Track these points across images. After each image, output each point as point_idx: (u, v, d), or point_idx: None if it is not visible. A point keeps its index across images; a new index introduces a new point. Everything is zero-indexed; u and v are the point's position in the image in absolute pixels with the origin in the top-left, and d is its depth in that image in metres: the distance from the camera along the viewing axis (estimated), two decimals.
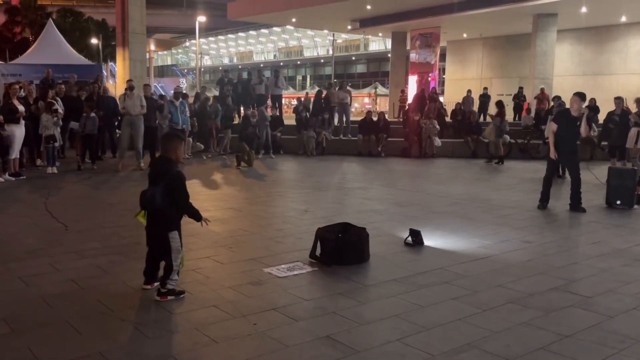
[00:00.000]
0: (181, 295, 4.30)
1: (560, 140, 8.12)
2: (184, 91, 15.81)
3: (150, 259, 4.43)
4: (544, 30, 21.95)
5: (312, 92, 21.83)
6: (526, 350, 3.52)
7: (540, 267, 5.31)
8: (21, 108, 10.31)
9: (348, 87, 18.41)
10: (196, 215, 4.39)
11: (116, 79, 21.31)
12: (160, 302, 4.19)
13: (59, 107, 11.38)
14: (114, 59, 29.08)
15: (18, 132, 10.17)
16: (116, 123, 13.28)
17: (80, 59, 19.99)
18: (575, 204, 8.12)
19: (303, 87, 58.74)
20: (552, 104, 14.91)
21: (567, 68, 25.35)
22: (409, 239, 6.03)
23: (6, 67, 17.55)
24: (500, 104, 15.95)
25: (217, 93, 17.55)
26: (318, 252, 5.33)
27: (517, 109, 21.90)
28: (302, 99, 18.12)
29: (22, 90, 11.63)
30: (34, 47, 20.13)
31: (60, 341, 3.55)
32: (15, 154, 10.20)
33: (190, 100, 16.16)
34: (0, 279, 4.70)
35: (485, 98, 22.43)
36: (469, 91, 20.53)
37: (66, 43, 20.08)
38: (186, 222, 6.79)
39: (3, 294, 4.35)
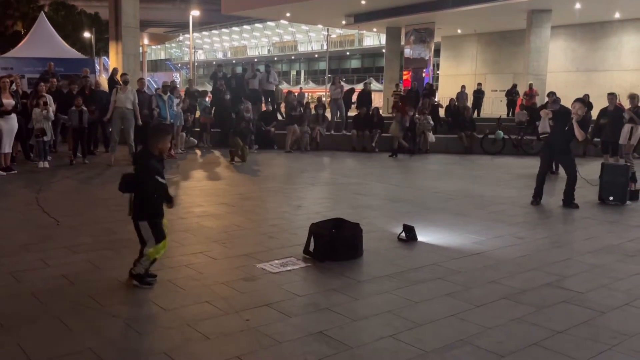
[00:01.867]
0: (146, 286, 4.35)
1: (554, 140, 8.14)
2: (177, 85, 15.72)
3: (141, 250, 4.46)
4: (538, 27, 21.98)
5: (306, 87, 21.77)
6: (519, 346, 3.52)
7: (534, 263, 5.32)
8: (10, 102, 10.19)
9: (341, 82, 18.36)
10: (164, 198, 4.39)
11: (109, 73, 21.13)
12: (137, 287, 4.33)
13: (50, 100, 11.28)
14: (107, 53, 28.88)
15: (6, 126, 10.07)
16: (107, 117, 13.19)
17: (73, 53, 19.83)
18: (569, 200, 8.14)
19: (297, 82, 58.59)
20: (546, 99, 14.95)
21: (561, 64, 25.42)
22: (403, 234, 6.02)
23: None
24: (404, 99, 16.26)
25: (210, 87, 17.47)
26: (312, 247, 5.32)
27: (511, 105, 21.96)
28: (296, 94, 18.07)
29: (14, 84, 11.51)
30: (25, 41, 19.94)
31: (51, 337, 3.51)
32: (5, 148, 10.11)
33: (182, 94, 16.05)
34: None
35: (479, 94, 22.51)
36: (463, 87, 20.56)
37: (58, 37, 19.91)
38: (178, 217, 6.76)
39: None
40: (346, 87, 20.28)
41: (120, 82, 12.81)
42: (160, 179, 4.30)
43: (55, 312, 3.89)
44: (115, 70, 15.63)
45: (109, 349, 3.36)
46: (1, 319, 3.74)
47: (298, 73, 67.48)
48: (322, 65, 58.84)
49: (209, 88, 18.42)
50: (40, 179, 9.70)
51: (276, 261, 5.16)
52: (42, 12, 23.06)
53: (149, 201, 4.30)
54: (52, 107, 11.21)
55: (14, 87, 11.37)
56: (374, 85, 44.54)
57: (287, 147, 14.88)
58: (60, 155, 12.65)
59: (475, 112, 21.05)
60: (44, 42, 18.69)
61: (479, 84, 23.37)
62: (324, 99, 19.83)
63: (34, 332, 3.58)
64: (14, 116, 10.27)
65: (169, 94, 12.98)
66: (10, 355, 3.26)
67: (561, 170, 10.29)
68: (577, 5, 20.14)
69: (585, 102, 8.06)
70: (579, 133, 7.96)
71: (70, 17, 37.19)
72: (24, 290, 4.30)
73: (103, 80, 17.71)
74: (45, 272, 4.75)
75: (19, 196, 8.35)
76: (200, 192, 8.98)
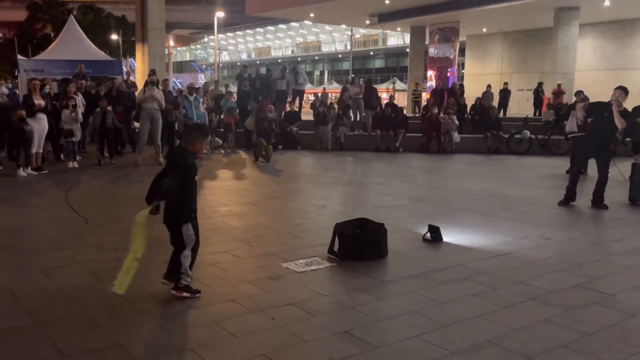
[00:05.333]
0: (197, 295, 4.20)
1: (595, 133, 7.93)
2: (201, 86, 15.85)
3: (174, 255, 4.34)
4: (566, 25, 21.62)
5: (329, 87, 21.78)
6: (546, 347, 3.47)
7: (562, 264, 5.24)
8: (41, 102, 10.43)
9: (361, 82, 18.31)
10: (158, 194, 4.05)
11: (135, 75, 21.47)
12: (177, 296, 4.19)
13: (79, 102, 11.51)
14: (133, 54, 29.35)
15: (38, 126, 10.30)
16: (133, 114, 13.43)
17: (101, 55, 20.18)
18: (598, 201, 7.98)
19: (321, 83, 58.59)
20: (574, 99, 14.70)
21: (590, 63, 24.96)
22: (428, 235, 5.98)
23: (29, 63, 17.76)
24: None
25: (234, 89, 17.59)
26: (336, 247, 5.32)
27: (537, 104, 21.65)
28: (320, 94, 18.09)
29: (47, 86, 11.78)
30: (55, 43, 20.36)
31: (81, 333, 3.59)
32: (36, 148, 10.34)
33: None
34: (23, 272, 4.77)
35: (505, 93, 22.22)
36: (489, 86, 20.33)
37: (87, 39, 20.28)
38: (205, 216, 6.82)
39: (26, 286, 4.41)
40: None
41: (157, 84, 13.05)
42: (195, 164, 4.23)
43: (85, 308, 3.97)
44: (152, 71, 15.88)
45: (137, 345, 3.42)
46: (34, 315, 3.83)
47: (322, 73, 67.51)
48: (346, 65, 58.76)
49: (234, 89, 18.50)
50: (70, 179, 9.90)
51: (301, 260, 5.18)
52: (71, 15, 23.51)
53: (191, 202, 4.18)
54: (80, 109, 11.44)
55: (47, 89, 11.64)
56: (398, 84, 44.37)
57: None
58: (89, 155, 12.88)
59: (502, 112, 20.80)
60: (73, 44, 19.05)
61: (505, 84, 23.07)
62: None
63: (65, 327, 3.66)
64: (44, 117, 10.52)
65: (195, 94, 13.15)
66: (43, 350, 3.34)
67: (590, 171, 10.13)
68: (606, 3, 19.75)
69: (626, 90, 7.80)
70: (619, 121, 7.62)
71: (98, 20, 37.90)
72: (54, 287, 4.40)
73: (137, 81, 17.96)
74: (75, 269, 4.85)
75: (49, 195, 8.53)
76: (225, 192, 9.05)
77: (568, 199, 8.11)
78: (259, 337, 3.56)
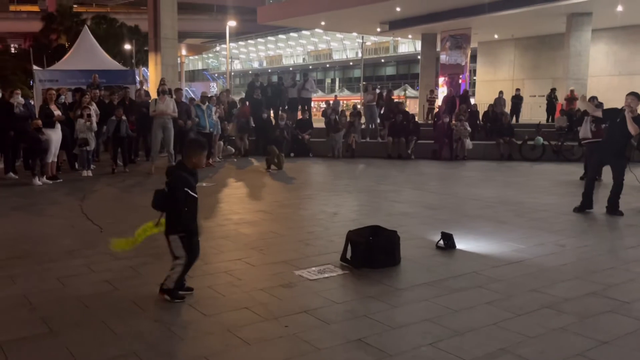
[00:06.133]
0: (177, 300, 4.27)
1: (609, 139, 7.87)
2: (214, 95, 15.98)
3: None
4: (578, 30, 21.52)
5: (341, 95, 21.84)
6: (562, 356, 3.44)
7: (576, 272, 5.19)
8: (57, 113, 10.58)
9: (375, 89, 18.34)
10: (178, 223, 4.25)
11: (148, 84, 21.67)
12: (177, 302, 4.27)
13: (93, 111, 11.64)
14: (146, 64, 29.63)
15: (54, 136, 10.43)
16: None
17: (114, 64, 20.39)
18: (613, 208, 7.90)
19: (332, 90, 58.77)
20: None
21: (603, 68, 24.80)
22: (441, 242, 5.96)
23: (44, 73, 17.99)
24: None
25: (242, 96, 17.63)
26: (349, 255, 5.32)
27: (550, 110, 21.53)
28: (331, 102, 18.15)
29: (62, 96, 11.93)
30: (70, 54, 20.60)
31: (97, 341, 3.61)
32: (51, 157, 10.47)
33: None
34: (39, 279, 4.82)
35: (517, 99, 22.13)
36: (501, 92, 20.27)
37: (101, 49, 20.51)
38: (217, 224, 6.87)
39: (42, 293, 4.46)
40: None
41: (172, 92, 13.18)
42: (190, 192, 4.23)
43: (100, 316, 4.00)
44: (162, 80, 16.03)
45: (152, 354, 3.43)
46: (50, 323, 3.87)
47: (333, 81, 67.71)
48: (357, 72, 58.91)
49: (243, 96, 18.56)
50: (84, 187, 10.00)
51: (314, 268, 5.18)
52: (86, 26, 23.80)
53: (179, 215, 4.23)
54: (94, 118, 11.58)
55: (62, 98, 11.79)
56: (409, 92, 44.35)
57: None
58: (102, 164, 13.00)
59: (514, 118, 20.71)
60: (87, 54, 19.27)
61: (517, 90, 22.97)
62: (358, 106, 19.75)
63: (81, 335, 3.69)
64: (59, 126, 10.65)
65: (207, 103, 13.25)
66: (58, 357, 3.37)
67: (604, 177, 10.05)
68: (619, 8, 19.63)
69: (638, 95, 7.72)
70: (632, 126, 7.53)
71: (112, 30, 38.29)
72: (70, 295, 4.44)
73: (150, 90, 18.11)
74: (90, 278, 4.89)
75: (64, 204, 8.62)
76: (238, 200, 9.09)
77: (584, 206, 8.03)
78: (273, 345, 3.57)
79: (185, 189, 4.22)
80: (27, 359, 3.37)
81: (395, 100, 21.70)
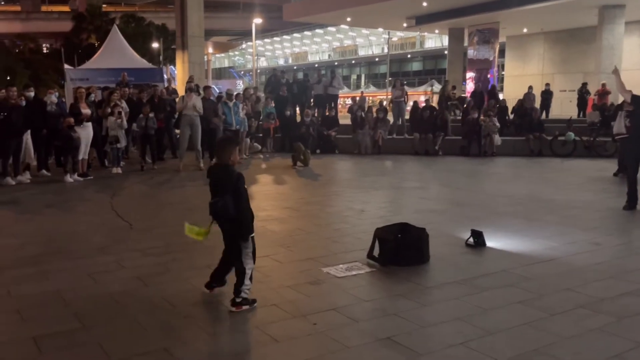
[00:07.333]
0: (254, 304, 4.14)
1: (636, 132, 7.64)
2: (240, 92, 16.01)
3: (223, 261, 4.36)
4: (611, 23, 20.98)
5: (367, 91, 21.74)
6: (599, 357, 3.35)
7: (611, 271, 5.05)
8: (87, 111, 10.75)
9: (403, 85, 18.17)
10: (245, 229, 4.10)
11: (176, 82, 21.90)
12: (233, 310, 4.07)
13: (123, 109, 11.80)
14: (173, 62, 29.94)
15: (83, 134, 10.61)
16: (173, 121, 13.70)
17: (143, 63, 20.65)
18: None
19: (358, 87, 58.56)
20: (621, 99, 14.23)
21: (636, 62, 24.10)
22: (471, 239, 5.87)
23: (75, 72, 18.31)
24: None
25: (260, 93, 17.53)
26: (376, 252, 5.28)
27: (582, 105, 21.07)
28: (357, 98, 18.06)
29: (92, 94, 12.13)
30: (99, 53, 20.94)
31: (128, 337, 3.65)
32: (82, 155, 10.65)
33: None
34: (71, 276, 4.90)
35: (547, 94, 21.73)
36: (530, 87, 19.91)
37: (129, 47, 20.79)
38: None
39: (74, 290, 4.53)
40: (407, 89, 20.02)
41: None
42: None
43: (131, 312, 4.04)
44: (191, 78, 16.17)
45: (182, 350, 3.45)
46: (82, 318, 3.92)
47: (359, 77, 67.43)
48: (383, 68, 58.56)
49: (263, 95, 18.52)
50: (114, 184, 10.15)
51: (341, 265, 5.15)
52: (115, 25, 24.15)
53: (246, 216, 4.12)
54: (126, 114, 11.75)
55: (92, 97, 11.99)
56: (436, 87, 43.90)
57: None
58: (131, 161, 13.18)
59: (544, 114, 20.34)
60: (116, 53, 19.55)
61: (547, 84, 22.54)
62: (384, 102, 19.61)
63: (112, 331, 3.73)
64: (89, 124, 10.83)
65: (234, 100, 13.30)
66: (91, 353, 3.42)
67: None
68: None
69: None
70: None
71: (140, 29, 38.82)
72: (101, 291, 4.50)
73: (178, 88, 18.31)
74: (121, 274, 4.95)
75: (94, 201, 8.76)
76: (265, 197, 9.11)
77: (632, 203, 7.75)
78: (302, 343, 3.56)
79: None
80: (60, 354, 3.42)
81: (427, 95, 21.45)
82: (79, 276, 4.87)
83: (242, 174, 4.16)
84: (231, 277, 4.72)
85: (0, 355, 3.40)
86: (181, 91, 15.85)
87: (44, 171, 11.05)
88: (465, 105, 18.09)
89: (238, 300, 4.08)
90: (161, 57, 34.50)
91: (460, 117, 18.08)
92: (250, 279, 4.15)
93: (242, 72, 77.35)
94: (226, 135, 11.29)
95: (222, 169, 4.19)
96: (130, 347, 3.49)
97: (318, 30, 65.29)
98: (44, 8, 61.45)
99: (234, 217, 4.04)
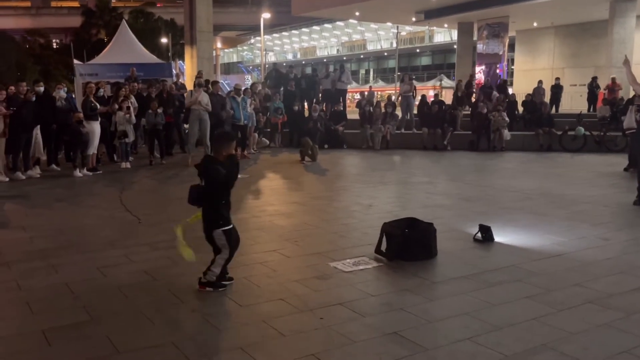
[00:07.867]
0: (220, 289, 4.34)
1: None
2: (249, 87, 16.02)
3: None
4: (622, 16, 20.78)
5: (375, 86, 21.65)
6: (607, 353, 3.33)
7: (621, 266, 5.02)
8: (101, 108, 10.83)
9: (412, 80, 18.09)
10: (207, 224, 4.34)
11: (184, 77, 21.92)
12: (220, 290, 4.34)
13: (132, 104, 11.85)
14: (182, 57, 30.03)
15: (96, 128, 10.67)
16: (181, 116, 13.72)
17: (152, 58, 20.67)
18: None
19: (366, 81, 58.38)
20: (632, 93, 14.11)
21: None
22: (479, 234, 5.85)
23: (84, 67, 18.36)
24: None
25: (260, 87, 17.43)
26: (384, 247, 5.27)
27: (592, 100, 20.89)
28: (366, 93, 18.01)
29: (101, 89, 12.19)
30: (109, 48, 20.98)
31: (136, 330, 3.68)
32: (92, 149, 10.71)
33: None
34: (81, 269, 4.93)
35: (557, 89, 21.54)
36: (540, 82, 19.77)
37: (138, 43, 20.81)
38: (252, 215, 6.90)
39: (83, 283, 4.56)
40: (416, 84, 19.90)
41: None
42: (221, 169, 4.21)
43: (139, 306, 4.07)
44: (199, 73, 16.20)
45: (189, 343, 3.47)
46: (91, 311, 3.95)
47: (367, 72, 67.24)
48: (392, 63, 58.35)
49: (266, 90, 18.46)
50: (123, 179, 10.20)
51: (348, 260, 5.15)
52: (124, 20, 24.20)
53: (218, 209, 4.29)
54: (135, 109, 11.81)
55: (101, 92, 12.04)
56: (445, 82, 43.72)
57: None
58: (140, 155, 13.24)
59: (553, 108, 20.19)
60: (125, 48, 19.57)
61: (557, 79, 22.36)
62: (393, 97, 19.54)
63: (120, 324, 3.76)
64: (99, 119, 10.88)
65: (242, 95, 13.31)
66: (99, 346, 3.44)
67: None
68: None
69: None
70: None
71: (149, 24, 38.94)
72: (110, 285, 4.53)
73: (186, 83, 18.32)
74: (129, 268, 4.98)
75: (103, 195, 8.81)
76: (272, 191, 9.12)
77: None
78: (308, 337, 3.56)
79: (217, 166, 4.23)
80: (69, 346, 3.44)
81: (435, 90, 21.34)
82: (88, 270, 4.91)
83: (218, 170, 4.20)
84: (232, 275, 4.75)
85: (10, 347, 3.44)
86: (190, 86, 15.87)
87: (54, 166, 11.13)
88: (474, 100, 17.97)
89: (203, 280, 4.36)
90: (170, 52, 34.59)
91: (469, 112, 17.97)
92: (223, 268, 4.36)
93: (251, 67, 77.37)
94: (224, 130, 11.28)
95: (207, 160, 4.37)
96: (138, 340, 3.51)
97: (326, 25, 65.09)
98: (53, 4, 61.90)
99: (205, 207, 4.32)
